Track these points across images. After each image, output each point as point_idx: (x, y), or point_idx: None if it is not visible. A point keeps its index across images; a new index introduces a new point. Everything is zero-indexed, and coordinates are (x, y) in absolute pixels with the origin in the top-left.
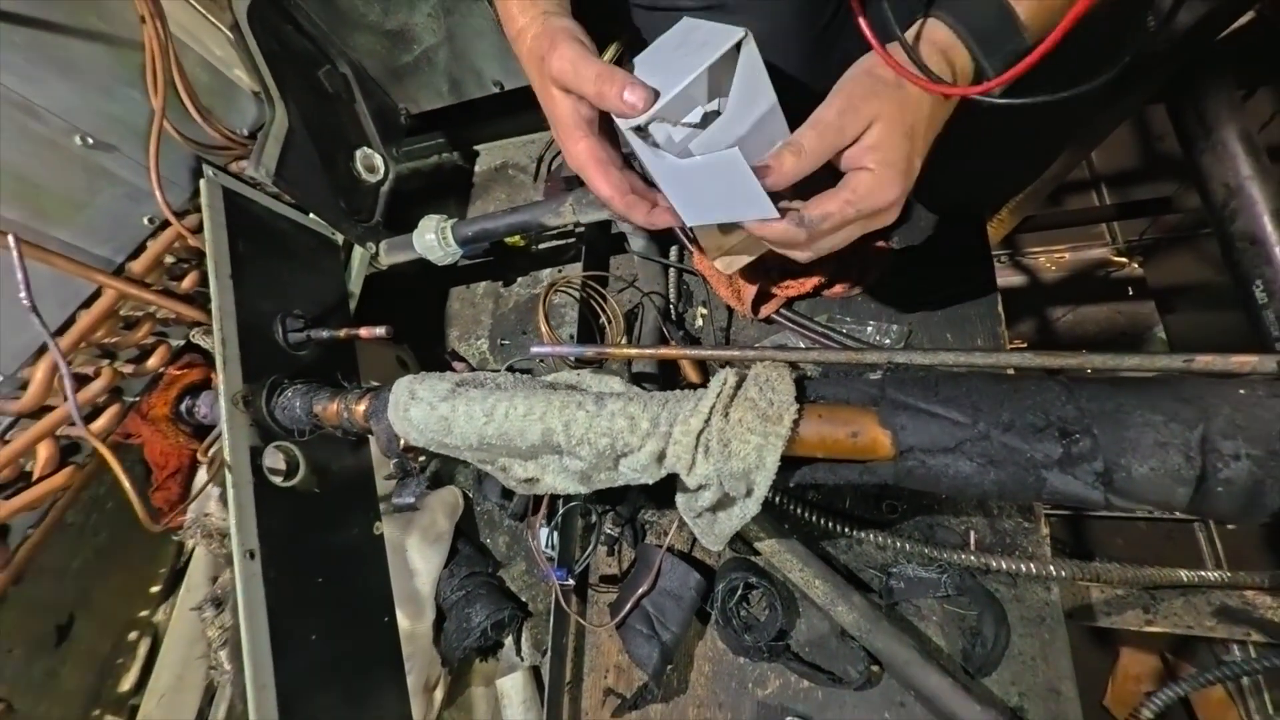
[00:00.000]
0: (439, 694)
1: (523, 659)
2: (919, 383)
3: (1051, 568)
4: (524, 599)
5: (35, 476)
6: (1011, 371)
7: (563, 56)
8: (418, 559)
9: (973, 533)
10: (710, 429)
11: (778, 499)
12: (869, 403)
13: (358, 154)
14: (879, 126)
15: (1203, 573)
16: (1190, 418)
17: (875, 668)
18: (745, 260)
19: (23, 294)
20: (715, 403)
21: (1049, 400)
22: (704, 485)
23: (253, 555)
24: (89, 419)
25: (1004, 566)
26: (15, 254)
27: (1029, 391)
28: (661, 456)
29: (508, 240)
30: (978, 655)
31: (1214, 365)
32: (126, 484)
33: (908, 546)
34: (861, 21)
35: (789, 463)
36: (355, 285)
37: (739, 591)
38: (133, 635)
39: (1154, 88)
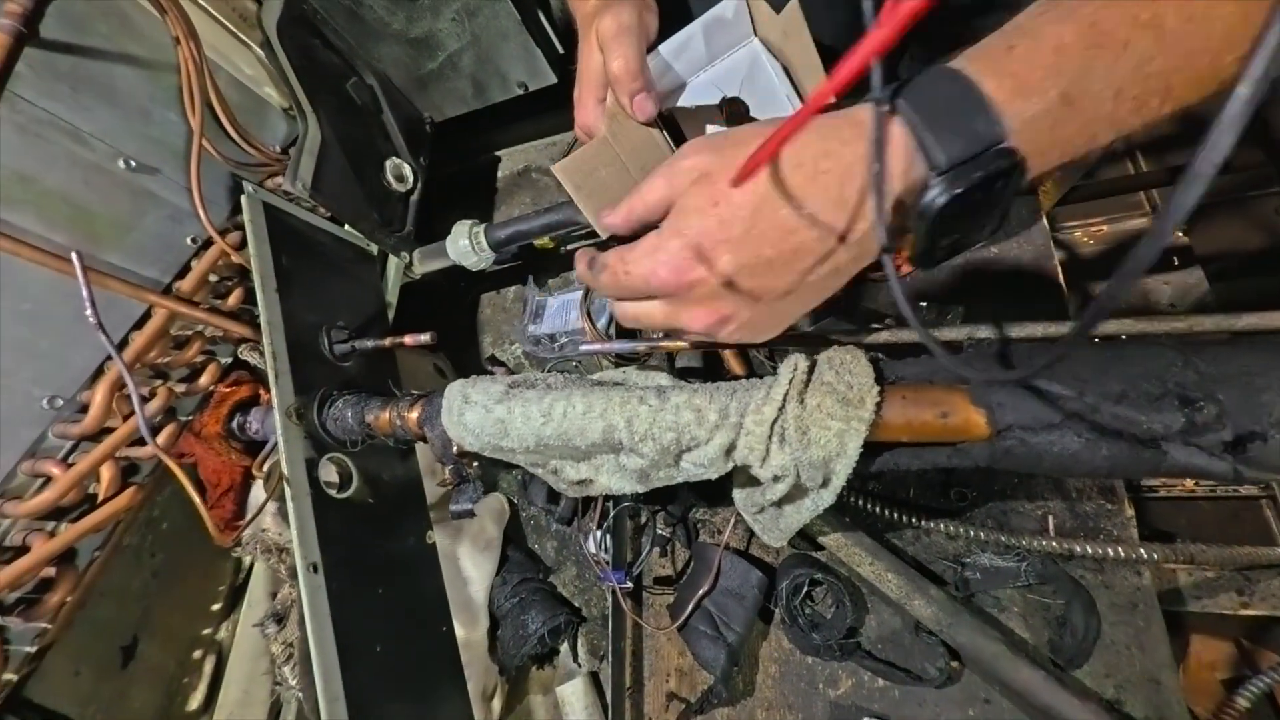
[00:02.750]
0: (497, 703)
1: (580, 665)
2: (1009, 356)
3: (1141, 550)
4: (577, 604)
5: (100, 498)
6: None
7: (615, 21)
8: (470, 567)
9: (1050, 517)
10: (786, 416)
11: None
12: (956, 380)
13: (387, 164)
14: (693, 178)
15: None
16: None
17: (955, 664)
18: None
19: (89, 311)
20: (789, 389)
21: (1163, 366)
22: (779, 477)
23: (316, 569)
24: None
25: (1089, 551)
26: (80, 273)
27: (1138, 358)
28: (731, 449)
29: (537, 243)
30: (1067, 646)
31: None
32: (196, 498)
33: (981, 534)
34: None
35: (870, 449)
36: (392, 295)
37: (804, 588)
38: (197, 654)
39: None
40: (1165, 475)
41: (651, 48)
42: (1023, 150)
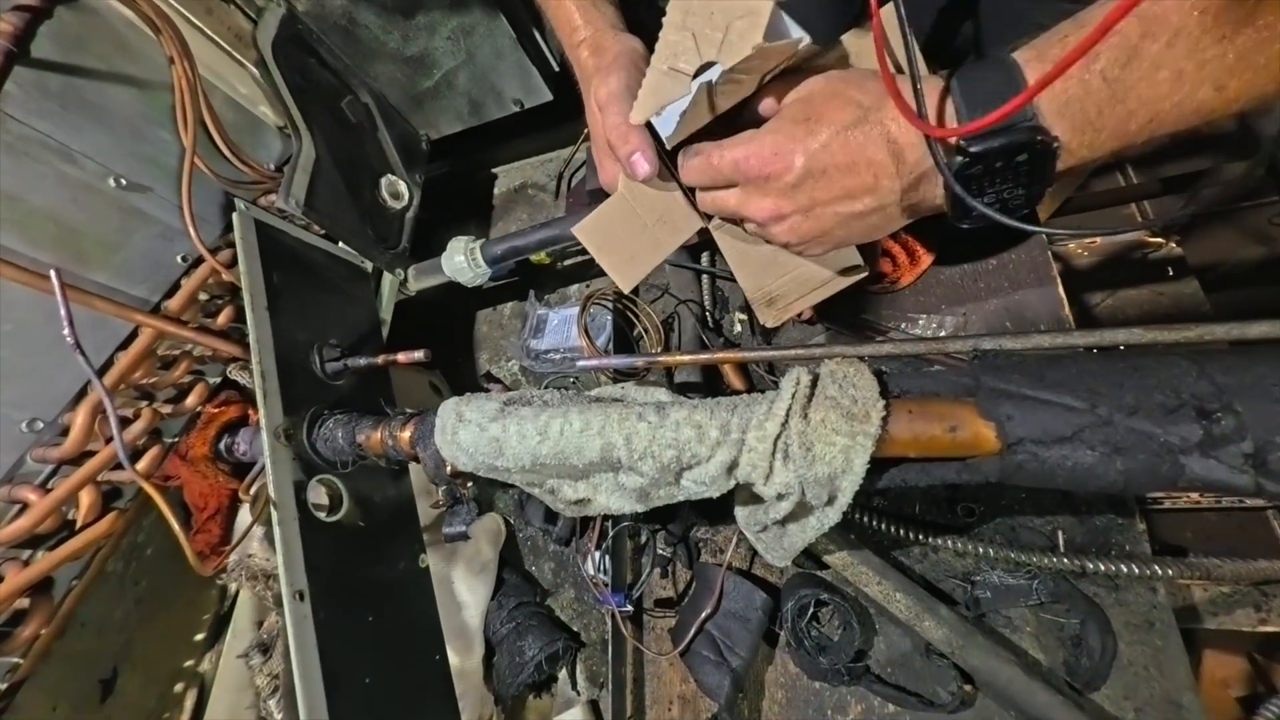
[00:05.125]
0: None
1: (579, 693)
2: (1020, 368)
3: (1156, 567)
4: (575, 628)
5: (79, 525)
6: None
7: (605, 88)
8: (465, 591)
9: (1060, 532)
10: (789, 432)
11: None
12: (963, 393)
13: (383, 181)
14: (795, 98)
15: None
16: None
17: (968, 687)
18: (796, 308)
19: (66, 330)
20: (792, 404)
21: (1177, 377)
22: (783, 495)
23: (302, 596)
24: (130, 462)
25: (1102, 568)
26: (59, 292)
27: (1151, 369)
28: (733, 466)
29: (533, 259)
30: (1084, 668)
31: None
32: (175, 526)
33: (991, 551)
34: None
35: (876, 465)
36: (386, 312)
37: (809, 610)
38: (179, 686)
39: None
40: (1185, 490)
41: None
42: (1057, 129)
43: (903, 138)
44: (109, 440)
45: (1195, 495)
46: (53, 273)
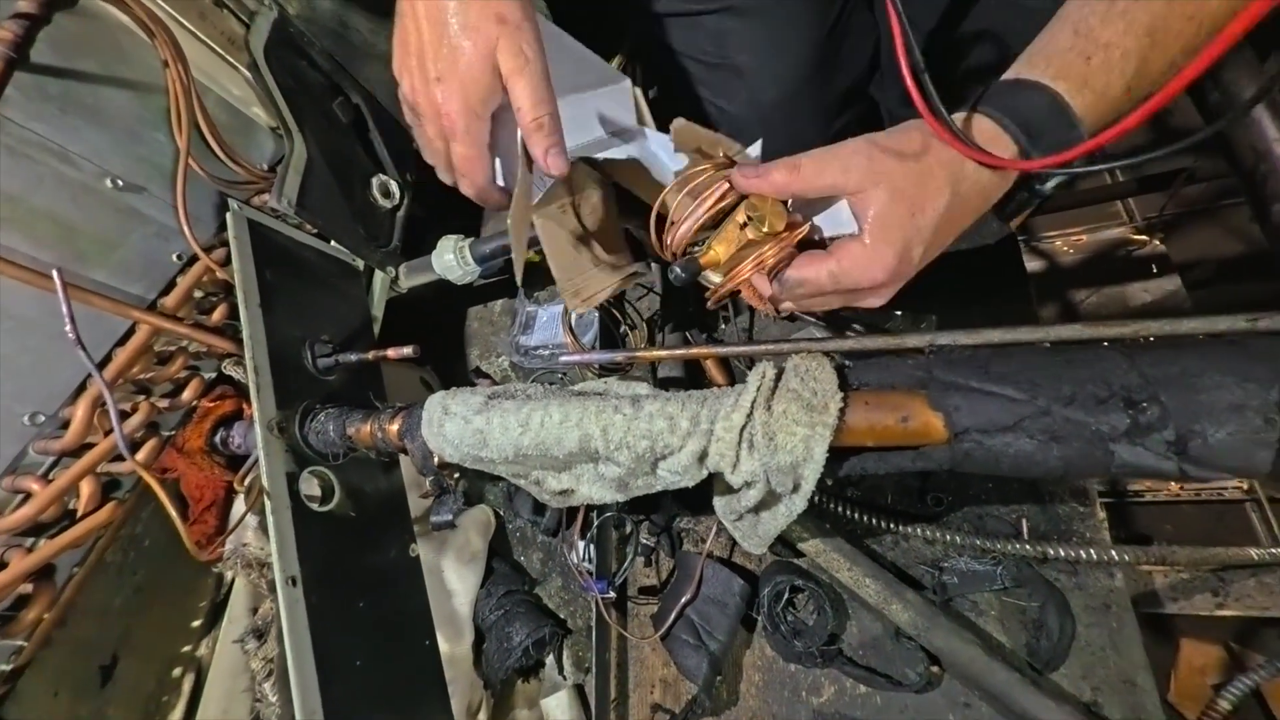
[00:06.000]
0: (483, 718)
1: (565, 677)
2: (968, 362)
3: (1113, 552)
4: (562, 615)
5: (79, 514)
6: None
7: (538, 70)
8: (454, 579)
9: (1024, 520)
10: (754, 423)
11: (817, 498)
12: (916, 386)
13: (374, 181)
14: (884, 192)
15: (1275, 550)
16: (1265, 377)
17: (935, 668)
18: (597, 299)
19: (68, 328)
20: (756, 396)
21: (1109, 369)
22: (749, 483)
23: (294, 582)
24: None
25: (1062, 554)
26: (60, 290)
27: (1087, 362)
28: (703, 456)
29: None
30: (1043, 649)
31: None
32: (174, 514)
33: (958, 539)
34: (913, 92)
35: (836, 453)
36: (378, 309)
37: (785, 595)
38: (176, 671)
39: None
40: (1118, 475)
41: None
42: (1090, 132)
43: (979, 181)
44: (108, 433)
45: (1174, 487)
46: (55, 272)
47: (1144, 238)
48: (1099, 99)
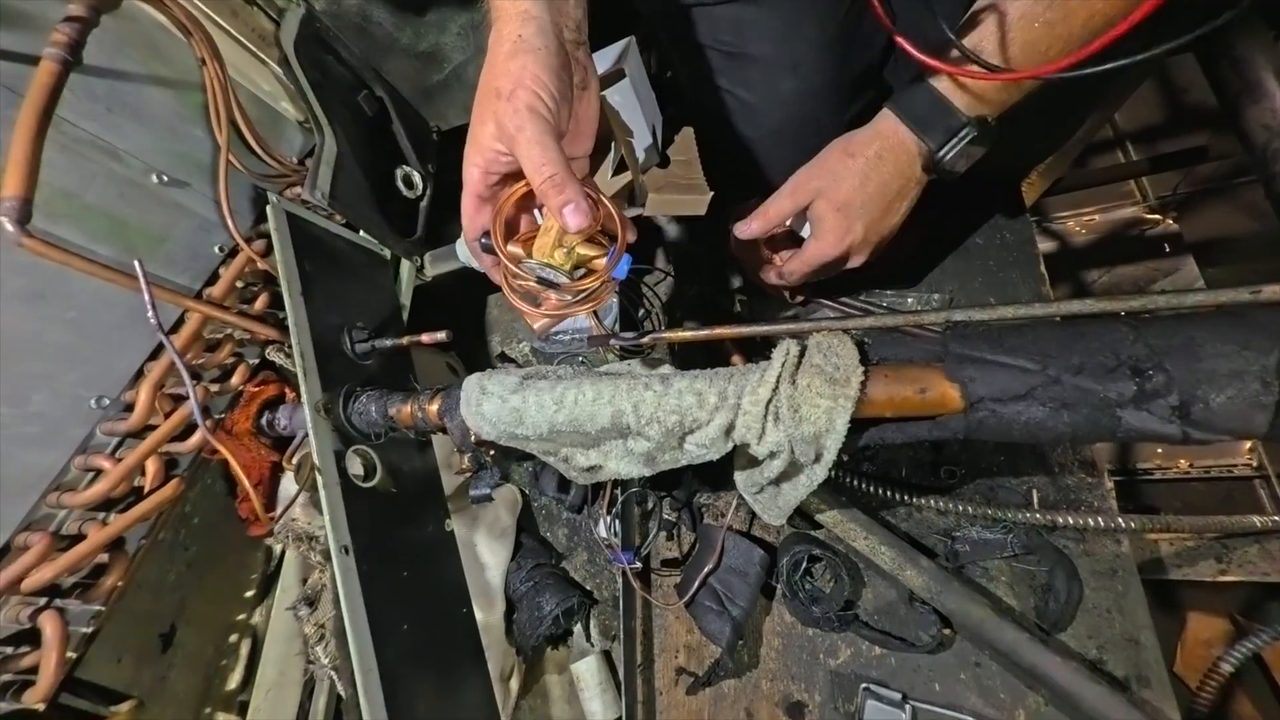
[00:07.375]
0: (515, 683)
1: (593, 644)
2: (982, 335)
3: (1120, 520)
4: (589, 587)
5: (146, 490)
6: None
7: (529, 136)
8: (486, 553)
9: (1035, 491)
10: (779, 396)
11: (835, 473)
12: (933, 359)
13: (398, 172)
14: (818, 201)
15: (1278, 517)
16: (1264, 344)
17: (947, 630)
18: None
19: (150, 314)
20: (781, 371)
21: (1117, 340)
22: (774, 453)
23: (347, 550)
24: (183, 436)
25: (1071, 522)
26: (142, 280)
27: (1096, 334)
28: (730, 429)
29: None
30: (1051, 611)
31: None
32: (247, 483)
33: (970, 509)
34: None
35: (857, 424)
36: (406, 297)
37: (803, 564)
38: (233, 638)
39: (1184, 39)
40: (1124, 439)
41: None
42: (979, 114)
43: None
44: (167, 415)
45: (1184, 464)
46: (136, 264)
47: (1157, 217)
48: (976, 95)
